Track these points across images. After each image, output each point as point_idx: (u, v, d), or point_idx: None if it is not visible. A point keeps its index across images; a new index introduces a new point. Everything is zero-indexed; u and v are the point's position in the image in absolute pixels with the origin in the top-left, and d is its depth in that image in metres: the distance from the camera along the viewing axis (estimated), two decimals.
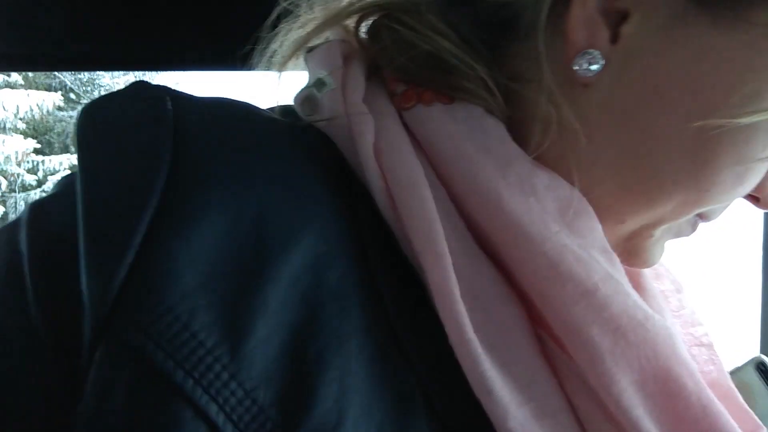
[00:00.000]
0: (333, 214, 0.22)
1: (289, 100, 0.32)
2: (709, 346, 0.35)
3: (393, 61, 0.27)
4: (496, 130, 0.26)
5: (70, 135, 12.07)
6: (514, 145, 0.26)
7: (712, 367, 0.34)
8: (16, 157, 10.21)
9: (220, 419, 0.18)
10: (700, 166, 0.26)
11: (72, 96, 12.01)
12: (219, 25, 1.28)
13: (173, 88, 0.25)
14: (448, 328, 0.22)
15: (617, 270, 0.26)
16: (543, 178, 0.25)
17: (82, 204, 0.20)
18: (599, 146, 0.27)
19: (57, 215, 0.21)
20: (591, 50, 0.25)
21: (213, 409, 0.17)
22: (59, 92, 10.98)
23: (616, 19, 0.25)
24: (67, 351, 0.19)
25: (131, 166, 0.20)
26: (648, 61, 0.25)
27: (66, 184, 0.23)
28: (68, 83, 11.63)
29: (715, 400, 0.24)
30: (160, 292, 0.18)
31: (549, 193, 0.25)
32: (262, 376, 0.18)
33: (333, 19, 0.30)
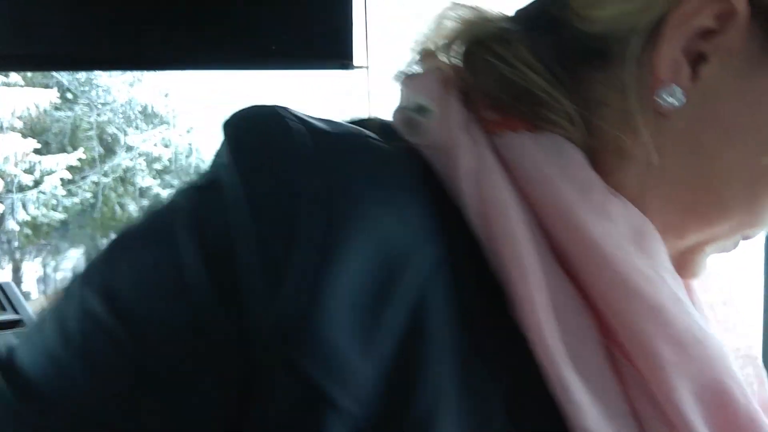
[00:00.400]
0: (436, 239, 0.25)
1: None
2: (754, 359, 0.36)
3: (486, 91, 0.30)
4: (577, 158, 0.28)
5: (68, 135, 12.03)
6: (592, 173, 0.28)
7: (753, 380, 0.36)
8: (15, 157, 10.16)
9: (356, 415, 0.22)
10: (758, 193, 0.30)
11: (69, 96, 11.97)
12: (215, 25, 1.28)
13: (297, 112, 0.28)
14: (531, 335, 0.25)
15: (681, 290, 0.28)
16: (617, 205, 0.28)
17: (242, 235, 0.23)
18: (671, 172, 0.29)
19: (217, 222, 0.24)
20: (674, 86, 0.28)
21: (354, 410, 0.22)
22: (55, 89, 10.92)
23: (697, 60, 0.28)
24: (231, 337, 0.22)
25: (287, 197, 0.23)
26: (723, 100, 0.28)
27: (215, 185, 0.25)
28: (65, 83, 11.59)
29: (761, 412, 0.27)
30: (316, 320, 0.22)
31: (621, 218, 0.28)
32: (383, 378, 0.22)
33: (429, 54, 0.33)
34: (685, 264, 0.33)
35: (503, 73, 0.29)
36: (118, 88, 13.74)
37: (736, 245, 0.34)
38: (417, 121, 0.29)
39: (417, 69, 0.33)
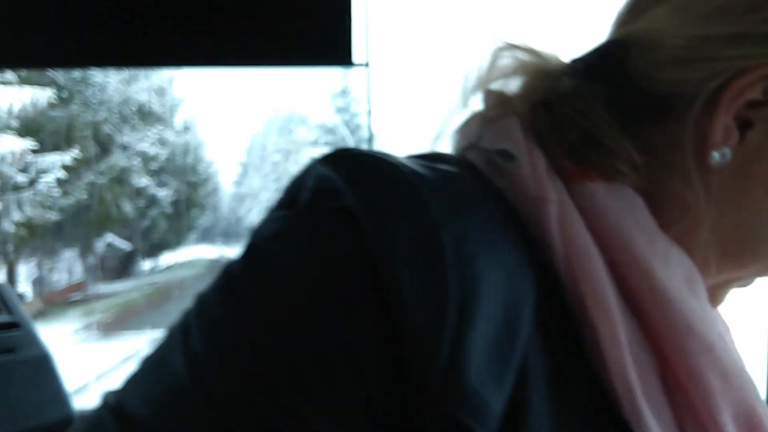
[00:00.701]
0: (532, 284, 0.28)
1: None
2: None
3: (565, 142, 0.33)
4: (642, 207, 0.32)
5: (63, 134, 11.95)
6: (654, 222, 0.32)
7: None
8: (11, 157, 10.10)
9: None
10: None
11: (64, 94, 11.91)
12: (213, 23, 1.26)
13: (396, 156, 0.30)
14: (613, 368, 0.28)
15: (722, 327, 0.32)
16: (674, 253, 0.32)
17: (396, 292, 0.25)
18: (713, 222, 0.33)
19: (356, 270, 0.25)
20: (725, 148, 0.32)
21: None
22: (51, 87, 10.85)
23: (743, 126, 0.32)
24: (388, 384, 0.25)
25: (433, 256, 0.25)
26: (762, 160, 0.33)
27: (334, 238, 0.26)
28: (61, 81, 11.53)
29: None
30: (464, 374, 0.24)
31: (677, 264, 0.31)
32: (504, 410, 0.25)
33: (505, 100, 0.35)
34: (712, 297, 0.36)
35: (583, 126, 0.33)
36: (114, 87, 13.69)
37: (752, 282, 0.39)
38: (502, 165, 0.32)
39: (493, 112, 0.35)
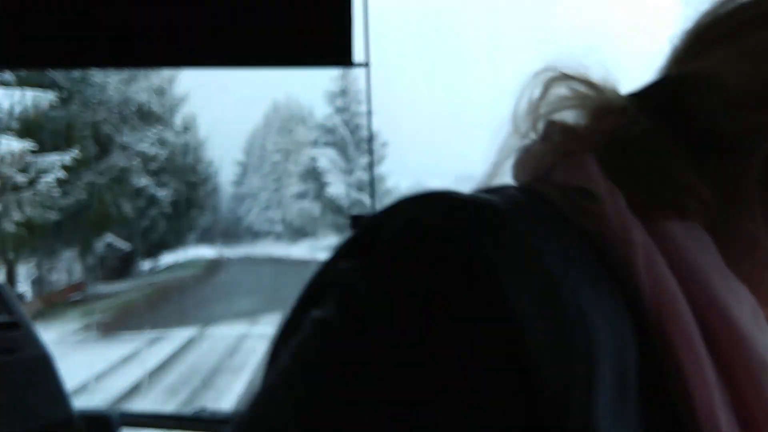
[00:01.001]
0: (634, 338, 0.28)
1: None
2: None
3: (638, 178, 0.34)
4: (712, 245, 0.33)
5: (63, 134, 11.95)
6: (722, 259, 0.32)
7: None
8: (11, 157, 10.09)
9: None
10: None
11: (64, 95, 11.89)
12: (211, 23, 1.26)
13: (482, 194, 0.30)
14: (701, 408, 0.29)
15: None
16: (742, 290, 0.32)
17: (529, 347, 0.25)
18: None
19: (480, 329, 0.25)
20: None
21: None
22: (51, 88, 10.84)
23: None
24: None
25: (558, 310, 0.26)
26: None
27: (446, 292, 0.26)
28: (61, 82, 11.52)
29: None
30: (594, 425, 0.25)
31: (745, 300, 0.32)
32: None
33: (575, 135, 0.36)
34: None
35: (658, 165, 0.34)
36: (114, 87, 13.68)
37: None
38: (584, 205, 0.32)
39: (563, 147, 0.35)
